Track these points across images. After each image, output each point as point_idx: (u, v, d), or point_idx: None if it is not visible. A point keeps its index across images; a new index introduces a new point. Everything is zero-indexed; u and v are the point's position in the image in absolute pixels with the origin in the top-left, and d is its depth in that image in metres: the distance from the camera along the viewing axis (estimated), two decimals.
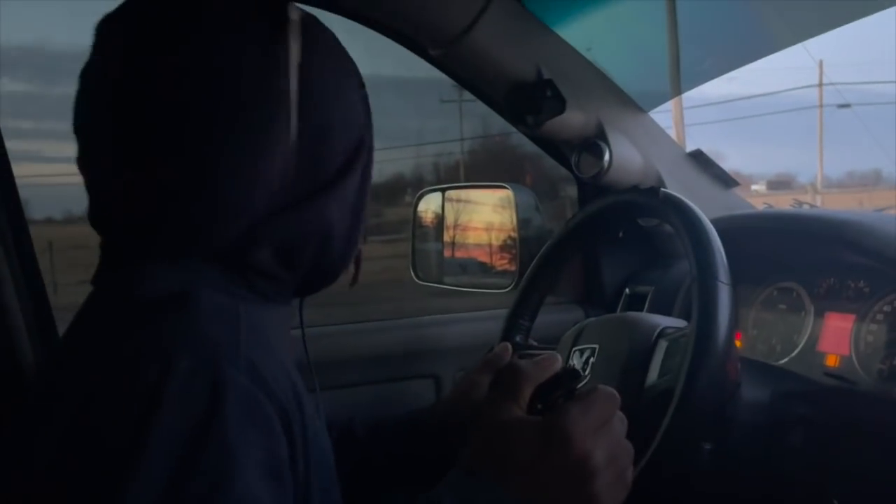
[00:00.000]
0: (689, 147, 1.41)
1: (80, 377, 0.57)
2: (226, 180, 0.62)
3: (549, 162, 1.48)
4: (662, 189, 0.94)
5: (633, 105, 1.36)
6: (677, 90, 1.62)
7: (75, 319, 0.66)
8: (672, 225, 0.91)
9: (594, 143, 1.30)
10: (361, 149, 0.71)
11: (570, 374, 0.66)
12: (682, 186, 1.01)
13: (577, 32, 1.30)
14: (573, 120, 1.26)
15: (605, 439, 0.61)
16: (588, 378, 0.94)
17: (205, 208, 0.62)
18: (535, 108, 1.24)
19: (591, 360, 0.96)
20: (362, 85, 0.73)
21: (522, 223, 1.51)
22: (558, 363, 0.68)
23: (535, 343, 1.14)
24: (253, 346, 0.58)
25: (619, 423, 0.64)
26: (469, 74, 1.28)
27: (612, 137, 1.29)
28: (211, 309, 0.59)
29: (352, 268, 0.77)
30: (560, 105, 1.22)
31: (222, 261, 0.64)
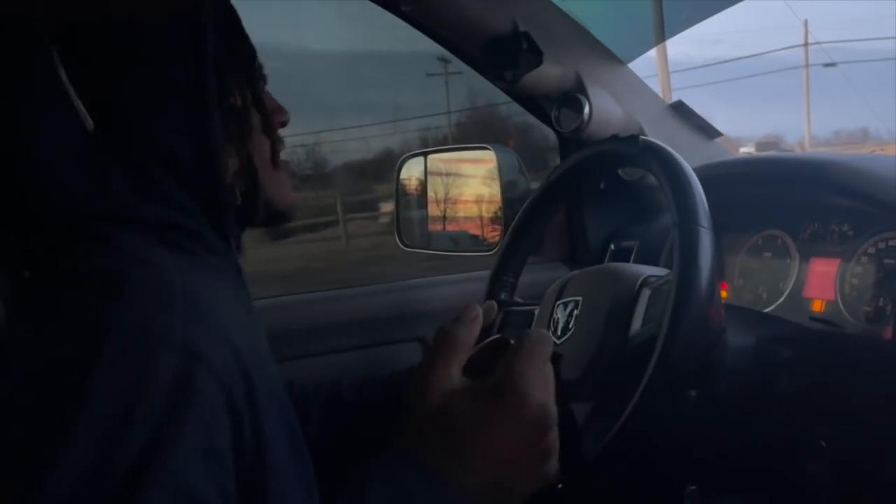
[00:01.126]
0: None
1: (11, 358, 0.55)
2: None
3: (538, 132, 1.46)
4: (641, 136, 0.93)
5: (611, 57, 1.34)
6: (660, 37, 1.60)
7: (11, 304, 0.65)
8: (652, 172, 0.89)
9: (573, 96, 1.28)
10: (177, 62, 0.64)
11: (500, 342, 0.64)
12: (664, 137, 1.00)
13: None
14: (551, 73, 1.24)
15: (549, 384, 0.60)
16: (572, 332, 0.93)
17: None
18: (511, 63, 1.22)
19: (575, 312, 0.94)
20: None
21: (506, 185, 1.50)
22: (478, 313, 0.65)
23: (520, 300, 1.13)
24: (189, 322, 0.55)
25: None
26: (444, 30, 1.26)
27: (592, 90, 1.27)
28: (141, 286, 0.56)
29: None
30: (537, 58, 1.20)
31: (137, 228, 0.62)
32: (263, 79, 0.75)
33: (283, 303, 1.38)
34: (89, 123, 0.61)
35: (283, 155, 0.77)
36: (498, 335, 0.65)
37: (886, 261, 0.98)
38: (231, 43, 0.69)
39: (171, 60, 0.63)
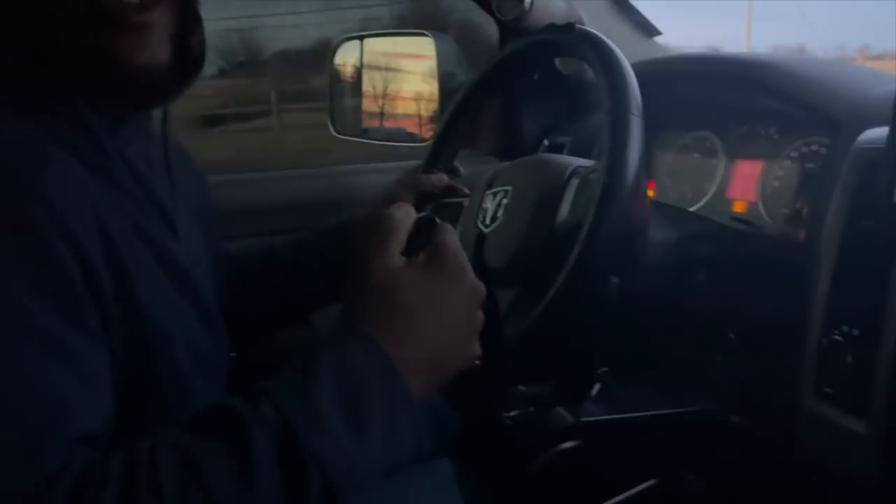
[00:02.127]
0: None
1: None
2: None
3: (481, 32, 1.42)
4: (577, 25, 0.91)
5: None
6: None
7: None
8: (587, 61, 0.89)
9: None
10: None
11: (428, 222, 0.65)
12: (603, 30, 0.98)
13: None
14: None
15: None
16: (500, 221, 0.93)
17: None
18: None
19: (504, 201, 0.95)
20: None
21: (444, 75, 1.47)
22: (411, 210, 0.65)
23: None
24: (17, 157, 0.55)
25: None
26: None
27: None
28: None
29: None
30: None
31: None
32: None
33: (212, 182, 1.35)
34: None
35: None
36: (425, 214, 0.66)
37: (807, 165, 1.00)
38: None
39: None
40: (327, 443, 0.52)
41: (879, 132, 0.78)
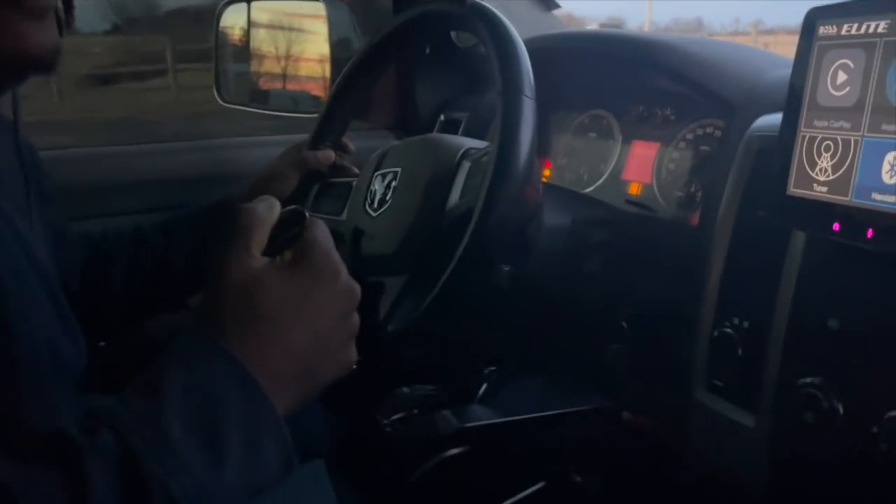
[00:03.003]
0: None
1: None
2: None
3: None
4: None
5: None
6: None
7: None
8: (478, 36, 0.84)
9: None
10: None
11: (295, 216, 0.58)
12: (501, 5, 0.94)
13: None
14: None
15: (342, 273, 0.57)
16: (389, 204, 0.89)
17: None
18: None
19: (394, 184, 0.90)
20: None
21: (337, 43, 1.41)
22: (278, 204, 0.60)
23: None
24: None
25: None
26: None
27: None
28: None
29: None
30: None
31: None
32: None
33: (81, 155, 1.25)
34: None
35: None
36: (293, 207, 0.59)
37: (702, 148, 0.99)
38: None
39: None
40: (176, 470, 0.45)
41: (773, 119, 0.76)
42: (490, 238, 0.75)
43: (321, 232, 0.56)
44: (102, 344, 1.03)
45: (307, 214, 0.56)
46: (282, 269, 0.54)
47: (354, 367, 0.58)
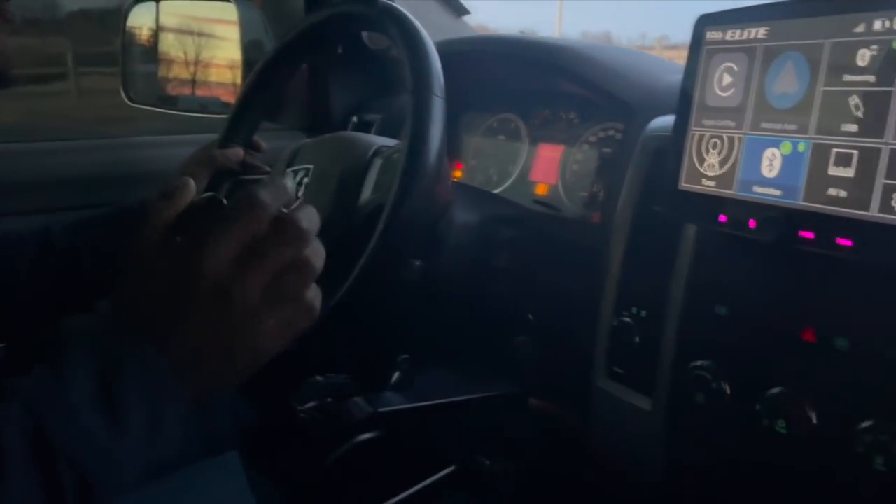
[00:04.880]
0: None
1: None
2: None
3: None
4: None
5: None
6: None
7: None
8: (389, 36, 0.86)
9: None
10: None
11: (210, 204, 0.58)
12: (411, 7, 0.96)
13: None
14: None
15: (256, 259, 0.53)
16: (301, 200, 0.89)
17: None
18: None
19: (305, 180, 0.91)
20: None
21: (248, 44, 1.40)
22: (191, 188, 0.59)
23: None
24: None
25: (286, 236, 0.54)
26: None
27: None
28: None
29: None
30: None
31: None
32: None
33: None
34: None
35: None
36: (209, 194, 0.59)
37: (604, 150, 1.04)
38: None
39: None
40: (78, 435, 0.47)
41: (667, 120, 0.81)
42: (401, 232, 0.77)
43: (204, 221, 0.54)
44: (2, 345, 1.00)
45: (224, 201, 0.56)
46: (156, 253, 0.53)
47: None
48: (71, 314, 0.98)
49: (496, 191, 1.15)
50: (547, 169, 1.11)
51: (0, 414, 0.47)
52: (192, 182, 0.58)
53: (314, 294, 0.56)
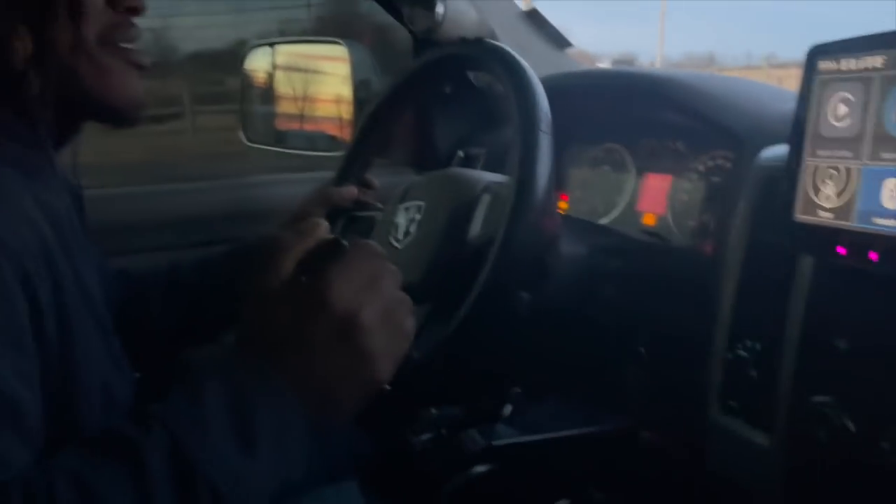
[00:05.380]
0: None
1: None
2: None
3: (400, 33, 1.41)
4: (487, 39, 0.91)
5: None
6: None
7: None
8: (496, 76, 0.89)
9: None
10: None
11: (333, 245, 0.62)
12: (515, 43, 0.99)
13: None
14: None
15: (372, 294, 0.59)
16: (413, 236, 0.93)
17: None
18: None
19: (417, 216, 0.94)
20: None
21: (359, 85, 1.46)
22: (322, 229, 0.65)
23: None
24: None
25: (390, 275, 0.61)
26: None
27: None
28: None
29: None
30: None
31: None
32: None
33: (119, 195, 1.31)
34: None
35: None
36: (331, 237, 0.63)
37: (713, 179, 1.03)
38: None
39: None
40: (214, 457, 0.53)
41: (779, 150, 0.80)
42: (510, 266, 0.79)
43: (336, 266, 0.59)
44: (138, 375, 1.07)
45: (345, 244, 0.60)
46: (284, 294, 0.59)
47: (385, 388, 0.61)
48: (197, 346, 1.05)
49: (602, 221, 1.15)
50: (655, 199, 1.10)
51: (143, 436, 0.52)
52: (324, 223, 0.63)
53: (412, 323, 0.62)
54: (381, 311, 0.58)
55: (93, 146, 0.72)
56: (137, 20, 0.70)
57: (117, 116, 0.69)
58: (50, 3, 0.61)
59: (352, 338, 0.57)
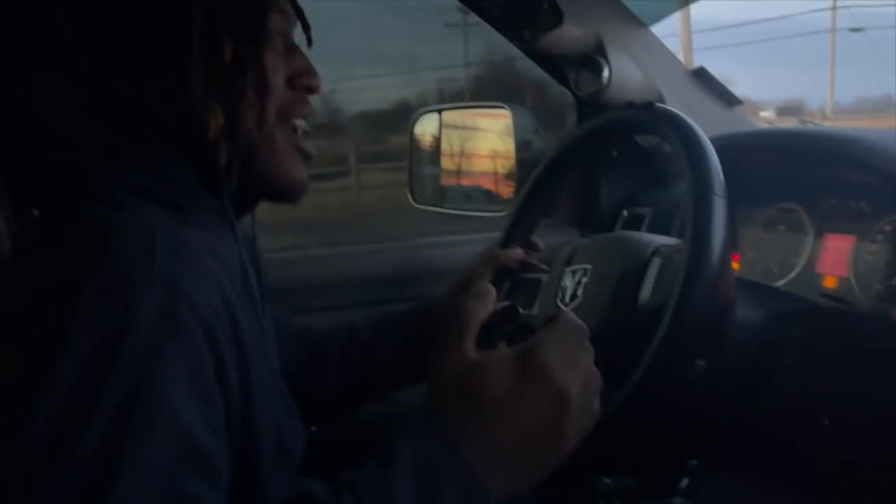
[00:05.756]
0: None
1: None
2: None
3: (556, 89, 1.44)
4: (657, 104, 0.91)
5: (633, 19, 1.31)
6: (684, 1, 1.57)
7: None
8: (667, 139, 0.88)
9: (593, 59, 1.26)
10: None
11: (508, 311, 0.64)
12: (683, 104, 0.98)
13: None
14: (570, 34, 1.21)
15: (576, 368, 0.60)
16: (580, 300, 0.92)
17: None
18: (531, 22, 1.20)
19: (584, 280, 0.94)
20: None
21: (521, 145, 1.49)
22: (492, 296, 0.65)
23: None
24: (173, 262, 0.56)
25: (588, 350, 0.62)
26: None
27: (612, 53, 1.25)
28: (127, 230, 0.57)
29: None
30: (556, 18, 1.18)
31: (127, 181, 0.62)
32: (262, 37, 0.69)
33: (294, 257, 1.40)
34: (85, 69, 0.62)
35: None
36: (507, 303, 0.65)
37: None
38: None
39: (157, 12, 0.64)
40: None
41: None
42: (685, 333, 0.77)
43: (550, 339, 0.60)
44: (314, 429, 1.12)
45: (520, 311, 0.61)
46: (497, 362, 0.59)
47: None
48: (370, 401, 1.09)
49: (778, 283, 1.11)
50: (836, 260, 1.05)
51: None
52: (493, 289, 0.65)
53: (598, 398, 0.62)
54: (581, 383, 0.59)
55: (263, 205, 0.78)
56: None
57: (283, 196, 0.75)
58: (241, 82, 0.67)
59: (559, 411, 0.58)
